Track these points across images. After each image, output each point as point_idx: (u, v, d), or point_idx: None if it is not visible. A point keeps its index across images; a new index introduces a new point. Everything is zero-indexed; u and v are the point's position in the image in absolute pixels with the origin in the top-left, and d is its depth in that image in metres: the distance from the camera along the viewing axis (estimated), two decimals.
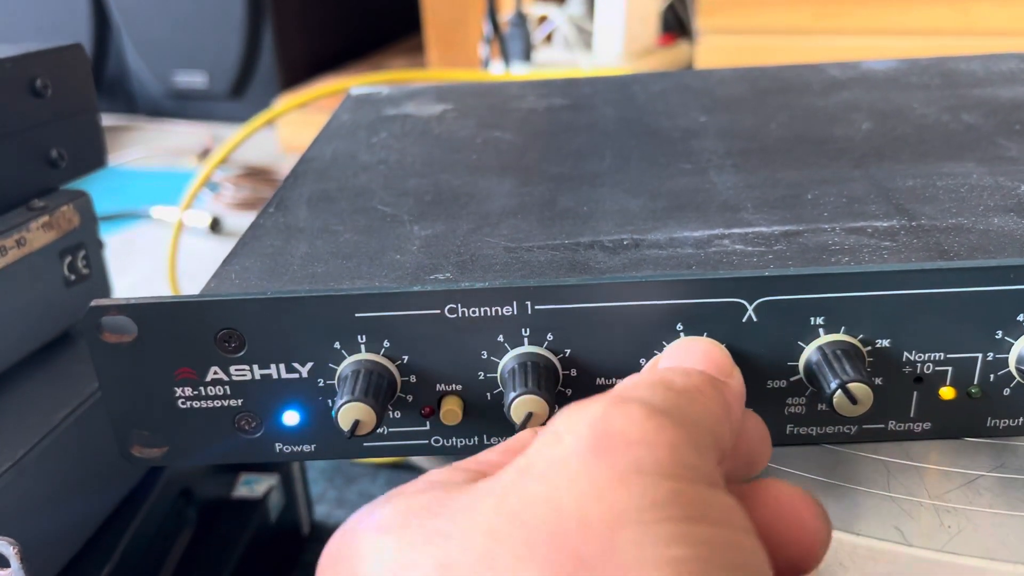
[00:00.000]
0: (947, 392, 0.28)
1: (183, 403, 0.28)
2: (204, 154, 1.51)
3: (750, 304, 0.26)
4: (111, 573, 0.38)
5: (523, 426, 0.26)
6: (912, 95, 0.46)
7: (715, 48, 1.06)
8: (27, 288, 0.40)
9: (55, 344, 0.43)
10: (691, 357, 0.24)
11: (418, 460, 0.66)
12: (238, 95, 1.71)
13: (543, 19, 1.17)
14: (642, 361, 0.27)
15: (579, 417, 0.18)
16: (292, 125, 1.43)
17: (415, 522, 0.17)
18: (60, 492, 0.37)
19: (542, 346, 0.27)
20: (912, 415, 0.28)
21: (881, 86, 0.49)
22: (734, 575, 0.16)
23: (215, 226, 1.16)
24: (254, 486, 0.53)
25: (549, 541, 0.16)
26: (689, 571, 0.15)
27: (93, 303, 0.27)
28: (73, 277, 0.43)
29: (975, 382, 0.27)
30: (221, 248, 1.12)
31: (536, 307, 0.26)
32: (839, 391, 0.25)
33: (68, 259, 0.42)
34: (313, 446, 0.29)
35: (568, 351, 0.27)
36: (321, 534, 0.61)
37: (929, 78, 0.50)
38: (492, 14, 0.96)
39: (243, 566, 0.49)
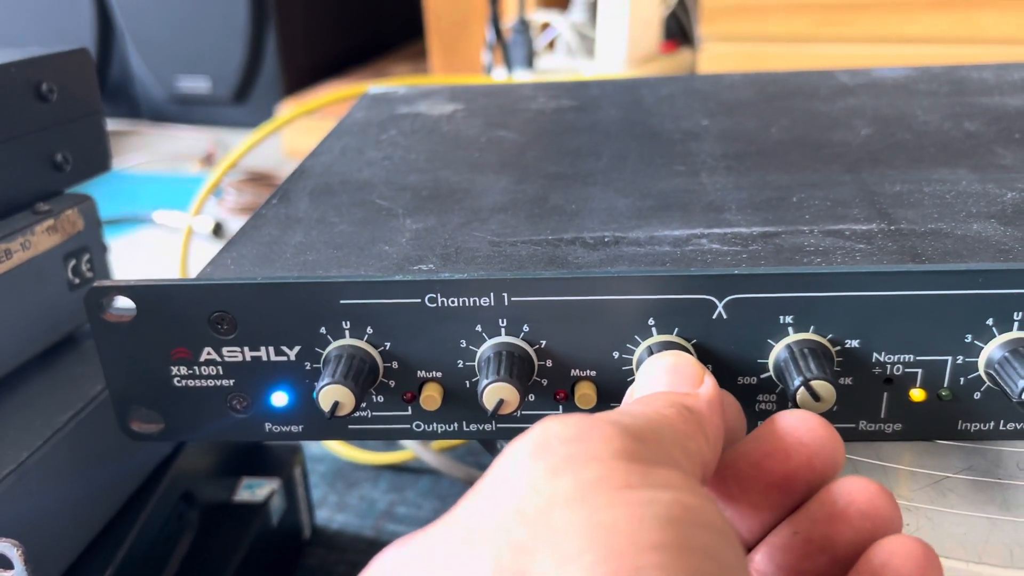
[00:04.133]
0: (917, 394, 0.28)
1: (179, 382, 0.30)
2: (207, 159, 1.53)
3: (720, 301, 0.27)
4: (113, 575, 0.39)
5: (495, 412, 0.27)
6: (918, 102, 0.47)
7: (717, 55, 1.06)
8: (31, 291, 0.40)
9: (59, 347, 0.44)
10: (654, 380, 0.24)
11: (418, 462, 0.67)
12: (241, 100, 1.73)
13: (546, 26, 1.17)
14: (615, 354, 0.28)
15: (525, 434, 0.19)
16: (295, 130, 1.45)
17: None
18: (64, 494, 0.38)
19: (518, 337, 0.28)
20: (883, 416, 0.28)
21: (888, 93, 0.49)
22: (677, 529, 0.16)
23: (218, 230, 1.18)
24: (255, 490, 0.54)
25: (489, 537, 0.16)
26: (617, 530, 0.15)
27: (95, 284, 0.28)
28: (77, 280, 0.43)
29: (945, 385, 0.28)
30: None
31: (513, 299, 0.27)
32: (802, 388, 0.26)
33: (72, 262, 0.42)
34: (301, 427, 0.30)
35: (543, 342, 0.28)
36: (322, 538, 0.62)
37: (938, 86, 0.50)
38: (495, 20, 0.96)
39: (244, 570, 0.50)
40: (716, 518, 0.17)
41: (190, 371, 0.30)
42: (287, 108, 1.49)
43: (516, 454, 0.18)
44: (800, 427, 0.22)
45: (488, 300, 0.28)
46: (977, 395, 0.28)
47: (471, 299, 0.28)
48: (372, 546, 0.62)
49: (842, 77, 0.53)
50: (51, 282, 0.42)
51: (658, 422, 0.20)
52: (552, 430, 0.18)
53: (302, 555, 0.61)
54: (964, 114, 0.44)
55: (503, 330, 0.28)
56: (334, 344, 0.28)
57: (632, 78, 0.57)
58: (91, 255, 0.44)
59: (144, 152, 1.60)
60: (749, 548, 0.24)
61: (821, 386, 0.26)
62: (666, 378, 0.24)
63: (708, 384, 0.23)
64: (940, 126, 0.42)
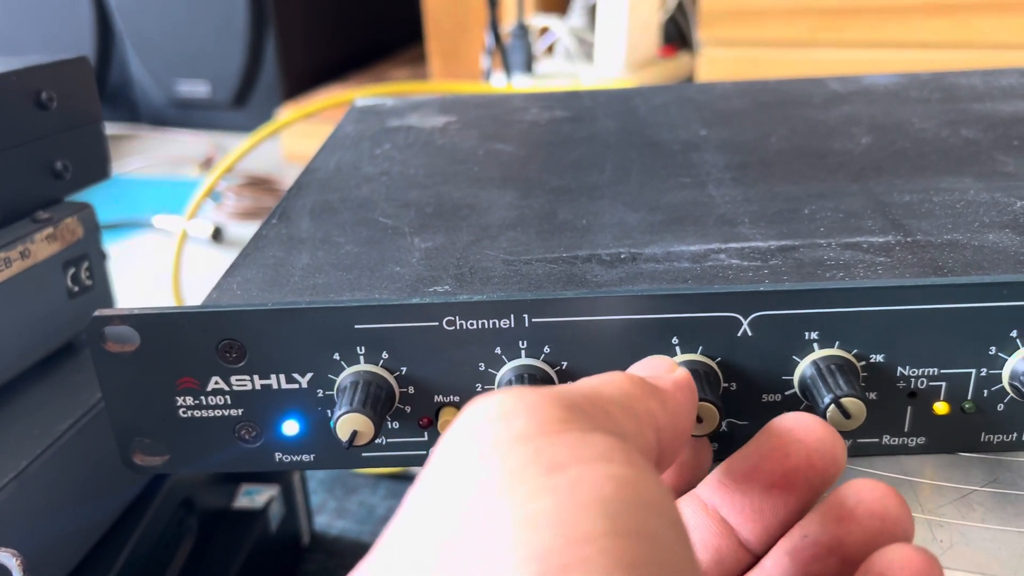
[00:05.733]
0: (941, 407, 0.28)
1: (184, 412, 0.29)
2: (206, 163, 1.52)
3: (745, 318, 0.26)
4: None
5: None
6: (912, 109, 0.47)
7: (716, 60, 1.07)
8: (31, 299, 0.40)
9: (58, 355, 0.44)
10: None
11: (418, 471, 0.66)
12: (240, 104, 1.72)
13: (545, 30, 1.17)
14: None
15: (457, 419, 0.18)
16: (295, 135, 1.44)
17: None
18: (62, 503, 0.38)
19: (539, 358, 0.27)
20: (906, 430, 0.28)
21: (881, 100, 0.49)
22: (608, 513, 0.15)
23: (217, 235, 1.17)
24: (255, 497, 0.54)
25: (416, 538, 0.15)
26: (543, 522, 0.15)
27: (96, 313, 0.27)
28: (76, 288, 0.43)
29: (969, 397, 0.27)
30: (223, 257, 1.12)
31: (533, 320, 0.27)
32: (832, 405, 0.25)
33: (72, 270, 0.42)
34: (312, 456, 0.29)
35: (565, 364, 0.27)
36: (321, 544, 0.62)
37: (929, 92, 0.50)
38: (494, 25, 0.96)
39: None
40: (653, 492, 0.16)
41: (196, 401, 0.29)
42: (286, 112, 1.48)
43: (446, 443, 0.17)
44: (797, 427, 0.22)
45: (508, 322, 0.27)
46: (1000, 407, 0.28)
47: (490, 321, 0.27)
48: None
49: (833, 85, 0.53)
50: (50, 290, 0.42)
51: (600, 386, 0.19)
52: (480, 411, 0.17)
53: (302, 561, 0.60)
54: (959, 121, 0.44)
55: (523, 352, 0.27)
56: (348, 370, 0.28)
57: (624, 88, 0.56)
58: (90, 263, 0.44)
59: (144, 156, 1.59)
60: (757, 555, 0.23)
61: (852, 403, 0.25)
62: (633, 370, 0.23)
63: (680, 371, 0.22)
64: (938, 134, 0.42)
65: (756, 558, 0.23)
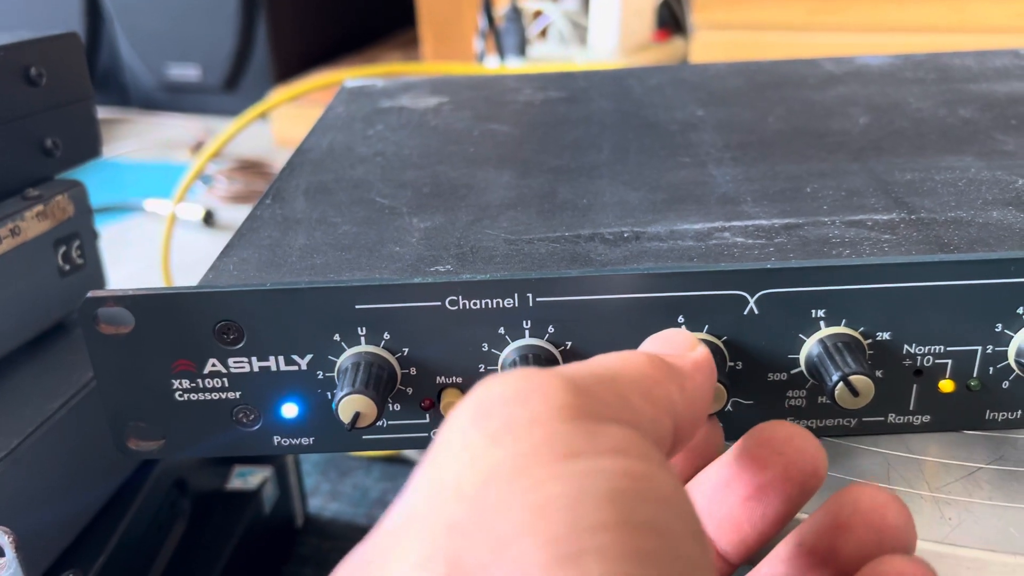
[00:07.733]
0: (947, 385, 0.28)
1: (180, 395, 0.28)
2: (197, 147, 1.51)
3: (751, 296, 0.26)
4: (105, 563, 0.38)
5: None
6: (908, 90, 0.47)
7: (710, 44, 1.06)
8: (21, 278, 0.40)
9: (49, 334, 0.43)
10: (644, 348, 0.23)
11: (412, 453, 0.66)
12: (231, 88, 1.70)
13: (538, 14, 1.16)
14: None
15: (466, 398, 0.17)
16: (286, 118, 1.43)
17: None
18: (55, 482, 0.37)
19: (543, 338, 0.27)
20: (912, 408, 0.28)
21: (877, 81, 0.49)
22: (620, 504, 0.15)
23: (208, 219, 1.16)
24: (248, 478, 0.54)
25: (426, 518, 0.15)
26: (556, 509, 0.14)
27: (90, 294, 0.27)
28: (67, 267, 0.42)
29: (974, 375, 0.27)
30: (214, 241, 1.11)
31: (537, 299, 0.26)
32: (841, 383, 0.25)
33: (62, 249, 0.42)
34: (312, 439, 0.29)
35: (569, 343, 0.27)
36: (315, 527, 0.61)
37: (924, 73, 0.50)
38: (487, 8, 0.95)
39: (237, 558, 0.50)
40: (666, 487, 0.16)
41: (193, 384, 0.28)
42: (277, 96, 1.49)
43: (456, 423, 0.17)
44: (774, 437, 0.22)
45: (512, 301, 0.26)
46: (1006, 384, 0.27)
47: (494, 301, 0.26)
48: (366, 534, 0.61)
49: (827, 65, 0.53)
50: (41, 269, 0.41)
51: (618, 368, 0.18)
52: (492, 391, 0.17)
53: (295, 543, 0.60)
54: (956, 101, 0.44)
55: (527, 332, 0.27)
56: (349, 351, 0.27)
57: (618, 68, 0.56)
58: (81, 241, 0.43)
59: (134, 140, 1.58)
60: (735, 566, 0.23)
61: (860, 381, 0.25)
62: (651, 344, 0.22)
63: (700, 349, 0.21)
64: (935, 113, 0.42)
65: (734, 568, 0.23)
